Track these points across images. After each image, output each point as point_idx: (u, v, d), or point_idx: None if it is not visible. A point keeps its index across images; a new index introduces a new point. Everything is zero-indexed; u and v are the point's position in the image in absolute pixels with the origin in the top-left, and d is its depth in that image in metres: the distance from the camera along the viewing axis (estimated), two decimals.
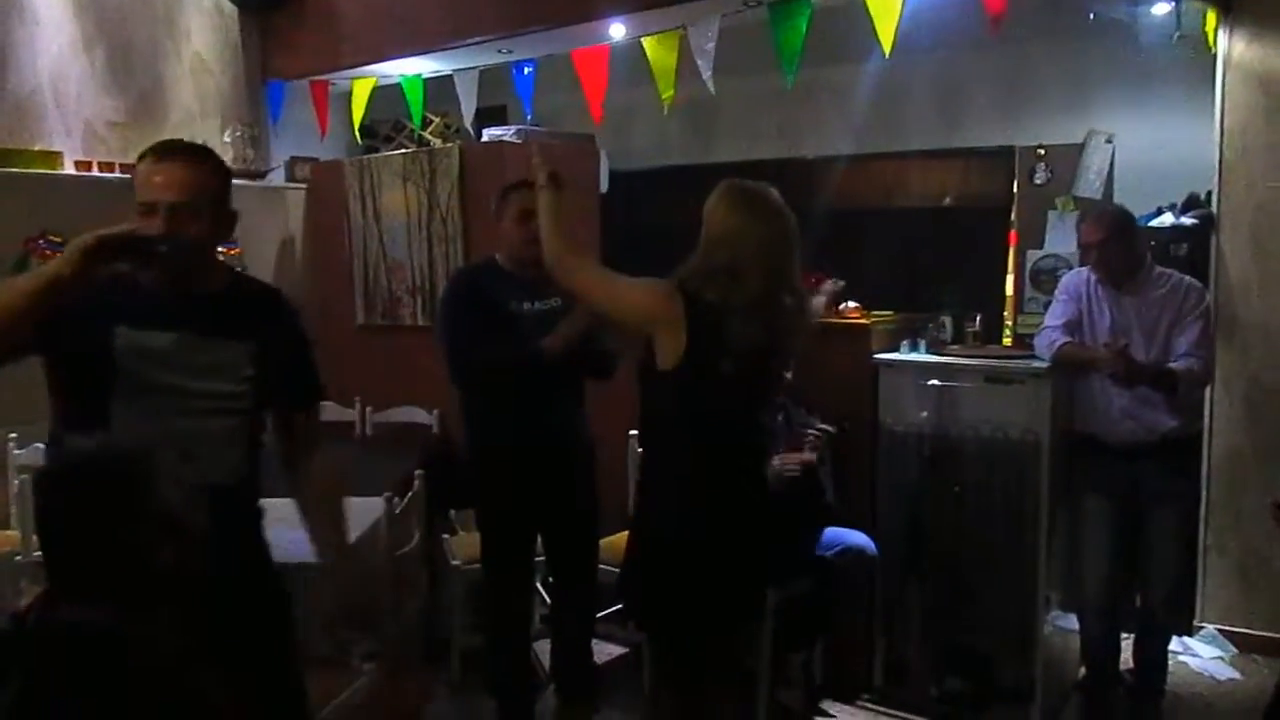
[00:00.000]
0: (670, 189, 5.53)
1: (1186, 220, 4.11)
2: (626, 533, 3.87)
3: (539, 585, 3.79)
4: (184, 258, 1.89)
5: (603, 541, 3.41)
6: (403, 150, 5.19)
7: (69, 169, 4.38)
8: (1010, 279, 4.42)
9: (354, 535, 3.09)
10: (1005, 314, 4.49)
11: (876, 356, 3.65)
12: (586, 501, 3.21)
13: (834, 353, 3.58)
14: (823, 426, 3.43)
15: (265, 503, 2.14)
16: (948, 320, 3.91)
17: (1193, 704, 3.61)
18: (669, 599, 2.35)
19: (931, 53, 4.73)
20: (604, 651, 3.77)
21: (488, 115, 5.36)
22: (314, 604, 2.17)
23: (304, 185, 5.47)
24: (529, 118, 5.07)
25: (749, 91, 5.24)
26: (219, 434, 1.97)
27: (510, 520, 3.14)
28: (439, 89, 5.24)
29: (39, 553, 1.58)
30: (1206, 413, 3.84)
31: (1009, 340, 4.23)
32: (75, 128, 4.56)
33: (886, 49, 3.68)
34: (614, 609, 3.88)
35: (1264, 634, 3.94)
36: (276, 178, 5.46)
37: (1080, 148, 4.11)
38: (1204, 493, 3.92)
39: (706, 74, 4.15)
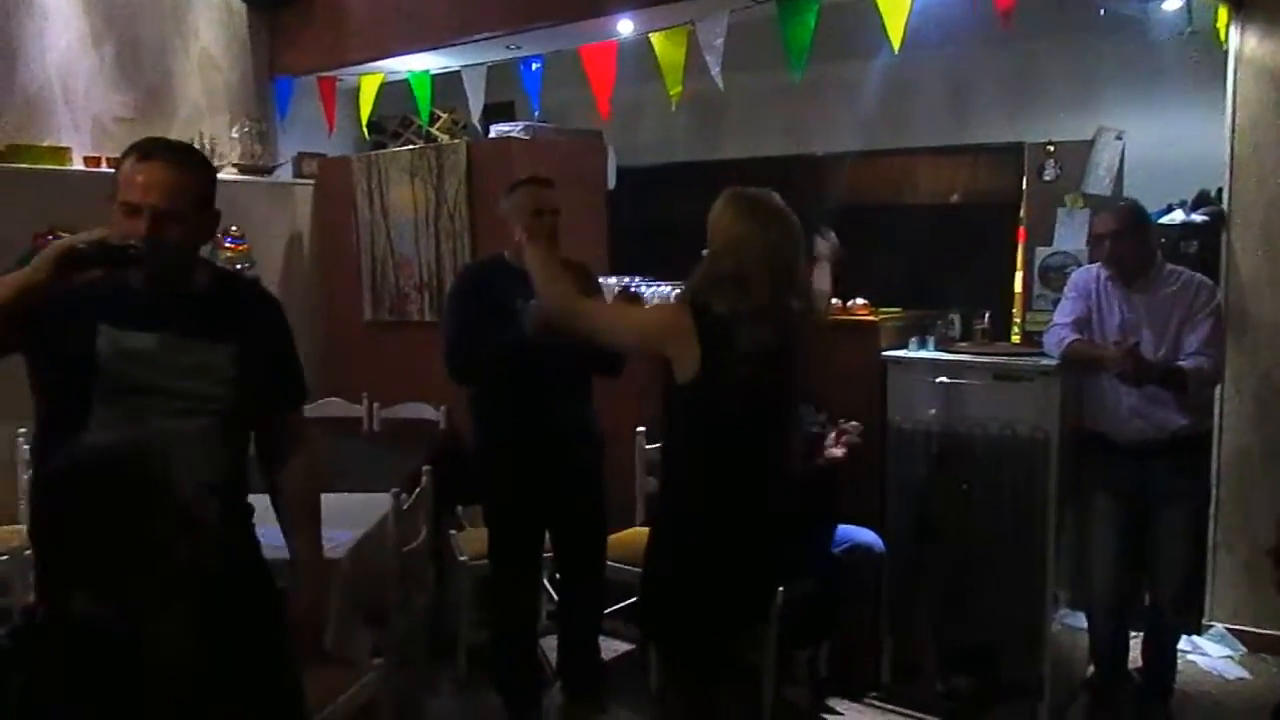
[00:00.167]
0: (677, 185, 5.52)
1: (1197, 217, 4.09)
2: (634, 529, 3.92)
3: (546, 582, 3.79)
4: (164, 260, 1.88)
5: (610, 538, 3.41)
6: (410, 146, 5.19)
7: (78, 164, 4.38)
8: (1019, 276, 4.40)
9: (361, 531, 3.10)
10: (1014, 311, 4.47)
11: (885, 354, 3.64)
12: (594, 498, 3.21)
13: (842, 350, 3.58)
14: (853, 424, 3.41)
15: (254, 498, 2.15)
16: (956, 317, 3.90)
17: (1201, 702, 3.60)
18: (696, 611, 2.33)
19: (940, 49, 4.71)
20: (611, 648, 3.77)
21: (495, 111, 5.36)
22: (295, 607, 2.14)
23: (311, 181, 5.48)
24: (536, 114, 5.07)
25: (757, 87, 5.22)
26: (202, 434, 1.95)
27: (518, 516, 3.14)
28: (446, 85, 5.24)
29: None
30: (1216, 411, 3.82)
31: (1017, 338, 4.21)
32: (84, 123, 4.57)
33: (895, 45, 3.67)
34: (621, 605, 3.88)
35: (1273, 633, 3.92)
36: (284, 174, 5.47)
37: (1090, 144, 4.09)
38: (1213, 491, 3.90)
39: (715, 70, 4.14)
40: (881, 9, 3.64)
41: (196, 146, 2.44)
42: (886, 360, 3.63)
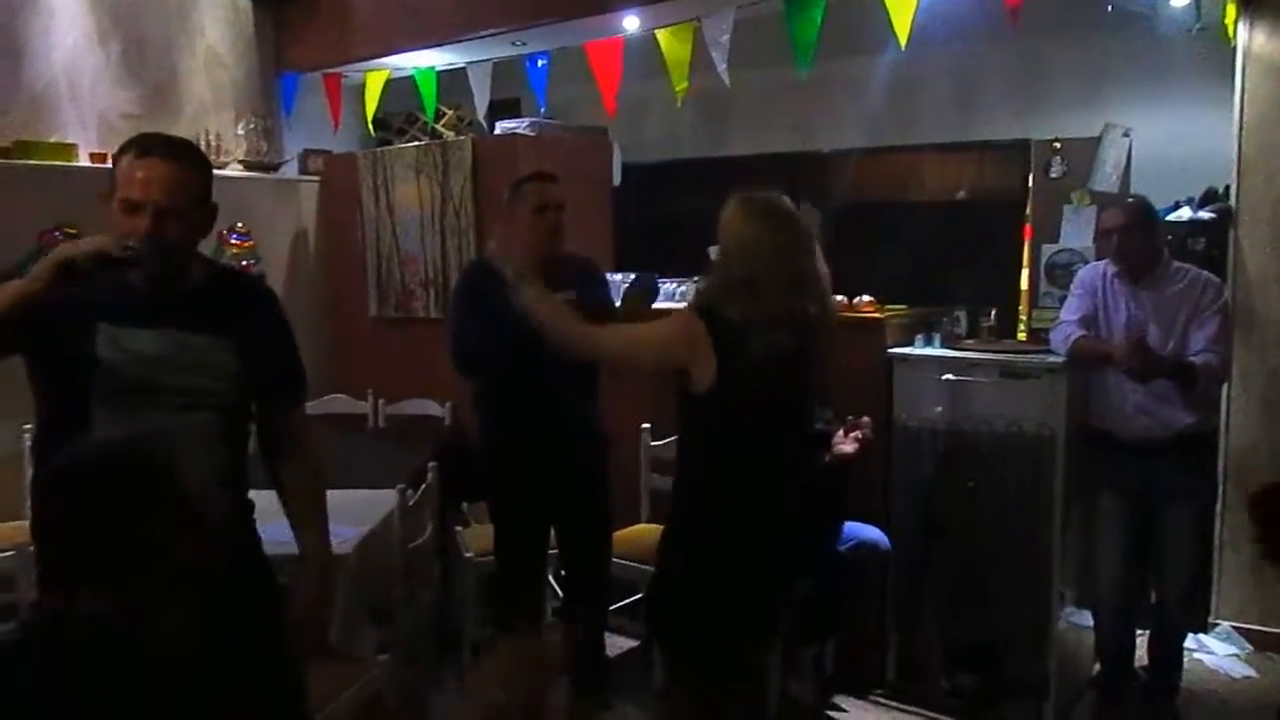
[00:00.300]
0: (683, 182, 5.52)
1: (1204, 214, 4.08)
2: (639, 526, 3.92)
3: (551, 578, 3.79)
4: (164, 259, 1.88)
5: (615, 535, 3.41)
6: (416, 143, 5.19)
7: (84, 161, 4.39)
8: (1025, 273, 4.39)
9: (366, 527, 3.10)
10: (1020, 309, 4.46)
11: (891, 351, 3.63)
12: (599, 495, 3.21)
13: (848, 347, 3.57)
14: (864, 419, 3.40)
15: (254, 494, 2.15)
16: (962, 315, 3.89)
17: (1207, 701, 3.59)
18: (709, 612, 2.31)
19: (947, 45, 4.70)
20: (616, 644, 3.77)
21: (501, 108, 5.36)
22: (300, 601, 2.15)
23: (317, 178, 5.49)
24: (542, 110, 5.07)
25: (763, 84, 5.21)
26: (205, 430, 1.96)
27: (523, 513, 3.14)
28: (452, 82, 5.24)
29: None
30: (1223, 409, 3.81)
31: (1023, 335, 4.21)
32: (90, 120, 4.57)
33: (902, 41, 3.66)
34: (626, 602, 3.88)
35: (1279, 631, 3.91)
36: (289, 170, 5.47)
37: (1097, 141, 4.08)
38: (1220, 489, 3.89)
39: (721, 66, 4.13)
40: (888, 5, 3.63)
41: (202, 144, 2.45)
42: (892, 357, 3.62)
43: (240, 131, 5.17)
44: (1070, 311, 3.38)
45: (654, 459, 4.01)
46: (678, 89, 4.34)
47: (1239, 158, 3.92)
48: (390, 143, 5.37)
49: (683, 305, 4.21)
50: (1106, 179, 4.05)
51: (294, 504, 2.18)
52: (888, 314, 3.74)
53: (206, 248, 2.10)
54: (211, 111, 5.13)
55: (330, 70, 5.39)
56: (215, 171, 2.05)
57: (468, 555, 3.73)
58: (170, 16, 4.95)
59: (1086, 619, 3.54)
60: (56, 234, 4.07)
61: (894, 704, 3.55)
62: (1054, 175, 4.11)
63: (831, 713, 3.52)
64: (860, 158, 5.54)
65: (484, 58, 5.03)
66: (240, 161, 5.11)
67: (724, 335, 2.23)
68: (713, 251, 4.16)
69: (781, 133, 5.68)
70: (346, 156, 5.43)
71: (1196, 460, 3.34)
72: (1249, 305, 3.90)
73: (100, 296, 1.86)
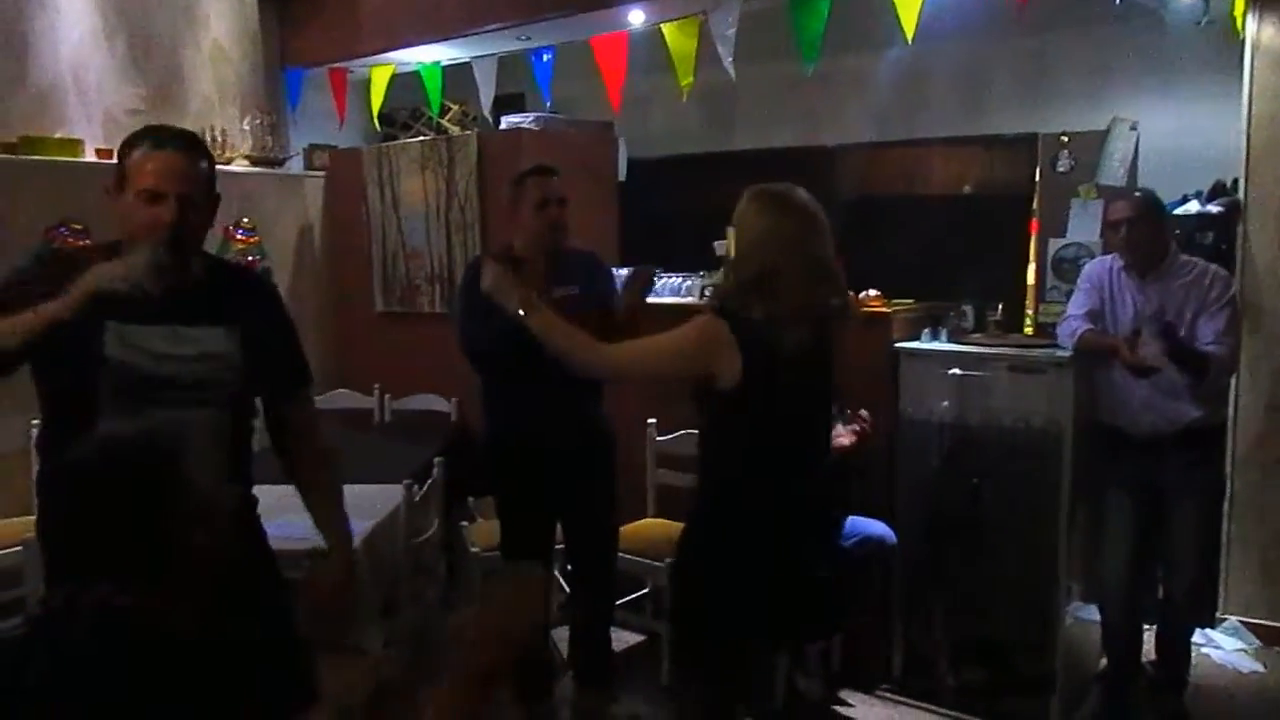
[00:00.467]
0: (689, 177, 5.51)
1: (1212, 208, 4.06)
2: (645, 521, 3.92)
3: (557, 573, 3.79)
4: (185, 259, 1.91)
5: (621, 530, 3.41)
6: (421, 138, 5.19)
7: (89, 157, 4.40)
8: (1032, 268, 4.38)
9: (372, 522, 3.11)
10: (1026, 303, 4.44)
11: (897, 345, 3.63)
12: (605, 490, 3.20)
13: (854, 342, 3.55)
14: (862, 412, 3.40)
15: (257, 490, 2.15)
16: (969, 309, 3.88)
17: (1215, 696, 3.58)
18: (738, 613, 2.28)
19: (953, 39, 4.68)
20: (621, 639, 3.77)
21: (506, 103, 5.36)
22: (320, 589, 2.17)
23: (322, 173, 5.49)
24: (547, 105, 5.06)
25: (769, 79, 5.20)
26: (215, 423, 1.96)
27: (529, 509, 3.14)
28: (457, 77, 5.23)
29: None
30: (1231, 403, 3.80)
31: (1030, 330, 4.20)
32: (96, 116, 4.58)
33: (909, 35, 3.64)
34: (632, 597, 3.89)
35: None
36: (295, 166, 5.48)
37: (1104, 135, 4.06)
38: (1227, 484, 3.88)
39: (727, 60, 4.13)
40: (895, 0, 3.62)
41: (207, 139, 2.46)
42: (899, 352, 3.62)
43: (245, 127, 5.18)
44: (1077, 306, 3.37)
45: (660, 454, 4.01)
46: (683, 83, 4.33)
47: (1247, 151, 3.90)
48: (395, 138, 5.37)
49: (689, 300, 4.24)
50: (1114, 173, 4.03)
51: (311, 495, 2.19)
52: (894, 308, 3.74)
53: (212, 243, 2.10)
54: (217, 107, 5.13)
55: (335, 65, 5.39)
56: (220, 167, 2.08)
57: (473, 550, 3.73)
58: (176, 12, 4.95)
59: (1093, 614, 3.53)
60: (62, 230, 4.08)
61: (900, 699, 3.55)
62: (1061, 169, 4.09)
63: (837, 708, 3.52)
64: (866, 152, 5.52)
65: (489, 52, 5.03)
66: (246, 157, 5.11)
67: (748, 334, 2.18)
68: (718, 246, 4.20)
69: (787, 127, 5.67)
70: (352, 152, 5.43)
71: (1204, 454, 3.33)
72: (1257, 299, 3.89)
73: (103, 295, 1.85)
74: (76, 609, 1.44)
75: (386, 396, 4.96)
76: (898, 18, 3.62)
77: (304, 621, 2.14)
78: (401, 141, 5.24)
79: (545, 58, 4.91)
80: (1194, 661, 3.54)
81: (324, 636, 2.21)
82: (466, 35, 4.89)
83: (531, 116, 4.91)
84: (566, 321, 2.39)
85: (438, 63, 5.19)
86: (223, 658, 1.56)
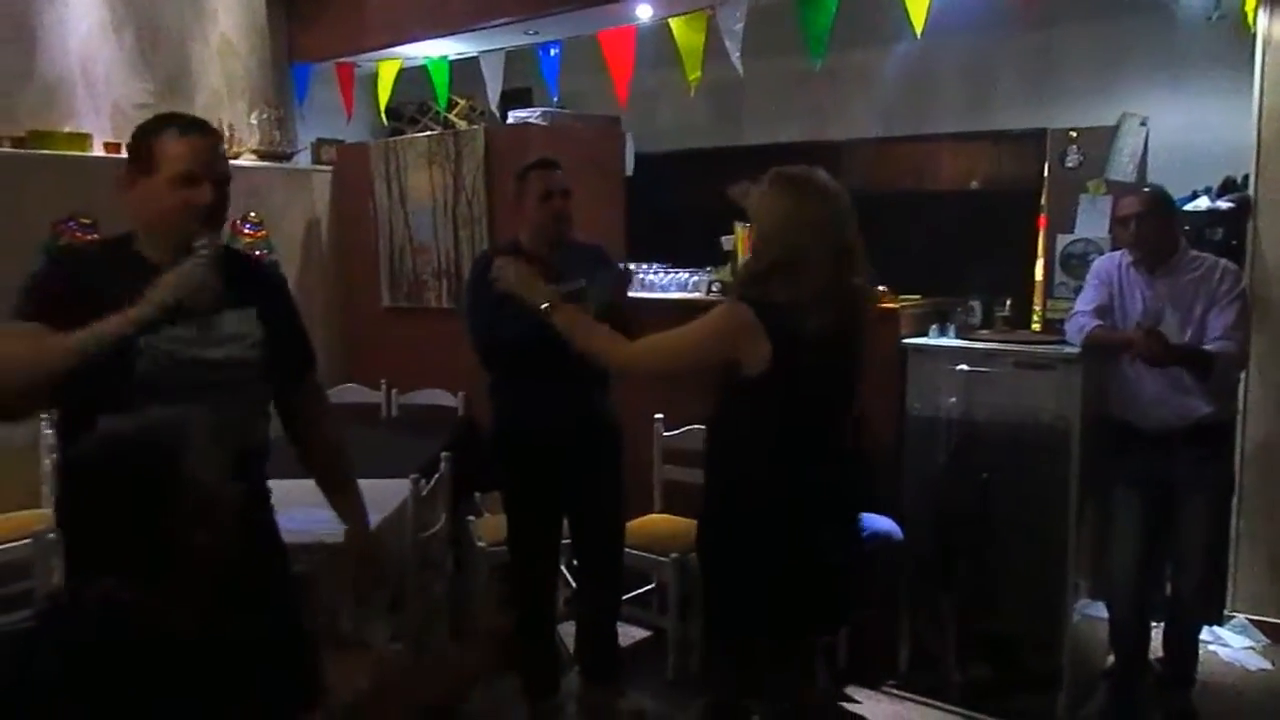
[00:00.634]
0: (696, 172, 5.51)
1: (1222, 204, 4.04)
2: (651, 516, 3.92)
3: (564, 568, 3.80)
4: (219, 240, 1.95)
5: (628, 525, 3.41)
6: (428, 133, 5.19)
7: (98, 151, 4.40)
8: (1040, 263, 4.36)
9: (379, 517, 3.10)
10: (1034, 299, 4.43)
11: (905, 341, 3.62)
12: (612, 485, 3.20)
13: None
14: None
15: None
16: (977, 305, 3.87)
17: (1223, 694, 3.57)
18: (772, 606, 2.28)
19: (961, 34, 4.67)
20: (628, 634, 3.77)
21: (513, 97, 5.35)
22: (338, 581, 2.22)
23: (330, 168, 5.49)
24: (555, 100, 5.06)
25: (776, 73, 5.19)
26: (244, 403, 2.01)
27: (536, 503, 3.14)
28: (464, 71, 5.23)
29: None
30: (1241, 398, 3.78)
31: (1038, 325, 4.18)
32: (104, 109, 4.58)
33: (918, 30, 3.63)
34: (638, 592, 3.89)
35: None
36: (302, 160, 5.48)
37: (1113, 130, 4.04)
38: (1237, 480, 3.86)
39: (735, 55, 4.12)
40: None
41: None
42: (907, 348, 3.61)
43: (253, 121, 5.18)
44: (1085, 301, 3.36)
45: (667, 450, 4.01)
46: (691, 78, 4.33)
47: (1258, 147, 3.88)
48: (403, 132, 5.37)
49: (696, 295, 4.24)
50: (1123, 168, 4.01)
51: (325, 477, 2.24)
52: (902, 304, 3.73)
53: (221, 236, 2.11)
54: (225, 101, 5.14)
55: (343, 60, 5.40)
56: (228, 161, 2.09)
57: (480, 545, 3.74)
58: (184, 5, 4.95)
59: (1101, 611, 3.52)
60: (70, 223, 4.09)
61: (906, 695, 3.54)
62: (1070, 165, 4.07)
63: (844, 704, 3.51)
64: (874, 148, 5.51)
65: (496, 47, 5.03)
66: (253, 151, 5.12)
67: (774, 319, 2.16)
68: (725, 241, 4.19)
69: (795, 122, 5.66)
70: (359, 146, 5.43)
71: (1214, 450, 3.31)
72: (1267, 295, 3.87)
73: (125, 282, 1.87)
74: (94, 599, 1.45)
75: (393, 391, 4.97)
76: (906, 12, 3.61)
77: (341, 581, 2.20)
78: (409, 136, 5.24)
79: (553, 52, 4.91)
80: (1202, 659, 3.53)
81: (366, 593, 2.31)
82: (474, 30, 4.89)
83: (539, 111, 4.90)
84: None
85: (445, 57, 5.18)
86: (232, 651, 1.56)
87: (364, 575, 2.35)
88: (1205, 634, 3.69)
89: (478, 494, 4.14)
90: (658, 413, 3.99)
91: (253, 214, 4.85)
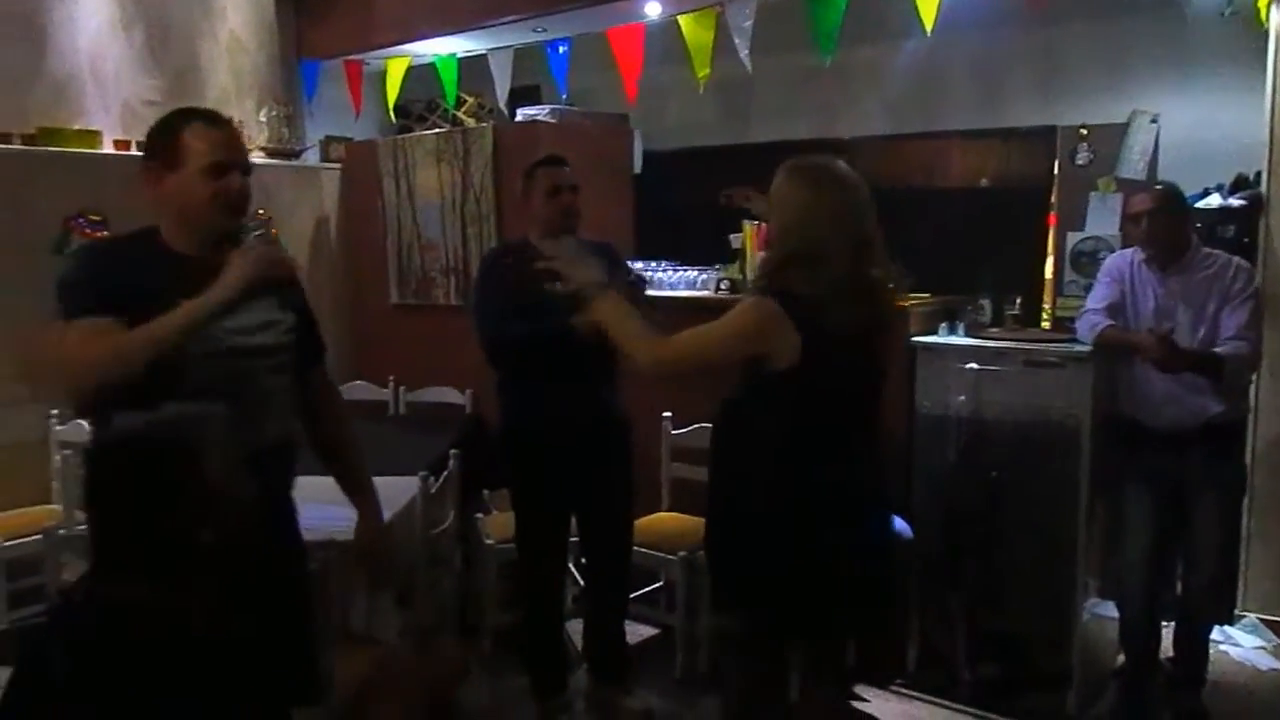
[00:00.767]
0: (704, 169, 5.49)
1: (1234, 201, 4.02)
2: (659, 514, 3.92)
3: (572, 566, 3.80)
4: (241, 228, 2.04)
5: (636, 523, 3.41)
6: (436, 130, 5.19)
7: (107, 148, 4.42)
8: (1050, 261, 4.35)
9: (388, 514, 3.10)
10: (1044, 297, 4.42)
11: (914, 339, 3.61)
12: (620, 483, 3.20)
13: None
14: None
15: None
16: (987, 303, 3.86)
17: (1233, 693, 3.55)
18: (800, 603, 2.23)
19: (971, 30, 4.65)
20: (636, 632, 3.77)
21: (521, 95, 5.35)
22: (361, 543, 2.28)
23: (338, 165, 5.50)
24: (563, 97, 5.05)
25: (785, 70, 5.17)
26: (281, 388, 2.06)
27: (544, 501, 3.14)
28: (472, 69, 5.23)
29: (81, 527, 1.58)
30: (1253, 397, 3.76)
31: (1048, 324, 4.17)
32: (113, 107, 4.60)
33: (928, 27, 3.62)
34: (646, 590, 3.89)
35: None
36: (311, 157, 5.49)
37: (1124, 128, 4.02)
38: (1249, 479, 3.84)
39: (744, 52, 4.11)
40: None
41: None
42: (916, 346, 3.60)
43: (262, 118, 5.19)
44: (1096, 300, 3.34)
45: (675, 448, 4.01)
46: (700, 75, 4.32)
47: (1270, 144, 3.85)
48: (411, 130, 5.37)
49: (705, 293, 4.23)
50: (1133, 166, 4.00)
51: (337, 462, 2.28)
52: (911, 302, 3.72)
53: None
54: (233, 98, 5.15)
55: (351, 57, 5.40)
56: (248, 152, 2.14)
57: (488, 542, 3.74)
58: (193, 3, 4.97)
59: (1111, 610, 3.50)
60: (80, 220, 4.10)
61: (915, 694, 3.53)
62: (1080, 162, 4.05)
63: (852, 703, 3.50)
64: (883, 145, 5.49)
65: (505, 44, 5.02)
66: (262, 148, 5.13)
67: (801, 311, 2.13)
68: (734, 239, 4.18)
69: (803, 120, 5.64)
70: (367, 143, 5.44)
71: (1226, 449, 3.30)
72: (1279, 293, 3.85)
73: (162, 274, 1.91)
74: (97, 598, 1.45)
75: (401, 388, 4.97)
76: (916, 9, 3.60)
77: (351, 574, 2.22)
78: (417, 133, 5.24)
79: (561, 49, 4.90)
80: (1212, 658, 3.51)
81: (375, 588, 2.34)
82: (482, 27, 4.88)
83: (547, 108, 4.90)
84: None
85: (453, 54, 5.18)
86: (240, 646, 1.57)
87: (374, 570, 2.38)
88: (1216, 633, 3.67)
89: (486, 491, 4.14)
90: (666, 410, 3.98)
91: (260, 211, 4.85)
